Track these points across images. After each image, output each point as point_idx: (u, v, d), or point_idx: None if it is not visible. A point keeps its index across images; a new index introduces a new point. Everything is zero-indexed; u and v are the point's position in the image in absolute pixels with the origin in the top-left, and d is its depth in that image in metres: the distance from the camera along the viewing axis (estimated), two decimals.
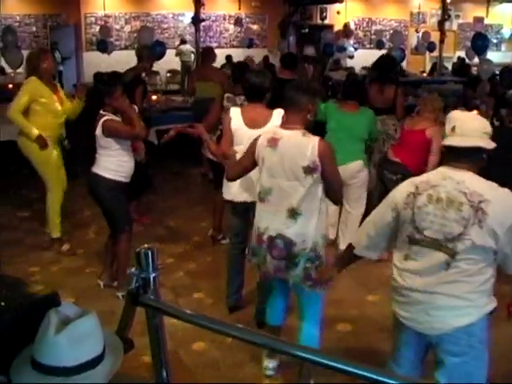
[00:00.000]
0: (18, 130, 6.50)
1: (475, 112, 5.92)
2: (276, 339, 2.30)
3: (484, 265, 2.92)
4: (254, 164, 4.01)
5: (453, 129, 3.03)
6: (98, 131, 5.19)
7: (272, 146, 3.81)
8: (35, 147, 6.26)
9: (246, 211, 4.86)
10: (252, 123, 4.63)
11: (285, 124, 3.92)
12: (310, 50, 12.45)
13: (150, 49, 8.35)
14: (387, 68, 7.48)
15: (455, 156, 3.03)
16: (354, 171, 6.15)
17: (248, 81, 4.77)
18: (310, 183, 3.71)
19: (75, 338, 1.66)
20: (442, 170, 3.07)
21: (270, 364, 4.29)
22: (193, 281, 5.85)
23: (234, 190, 4.83)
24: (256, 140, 3.96)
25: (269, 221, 3.87)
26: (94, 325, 1.74)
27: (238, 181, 4.65)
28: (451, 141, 3.03)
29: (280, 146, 3.77)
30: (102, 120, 5.17)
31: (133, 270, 2.02)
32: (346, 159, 5.82)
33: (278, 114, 4.54)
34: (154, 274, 2.02)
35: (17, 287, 2.08)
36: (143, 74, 7.82)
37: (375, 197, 6.26)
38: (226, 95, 6.00)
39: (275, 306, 4.31)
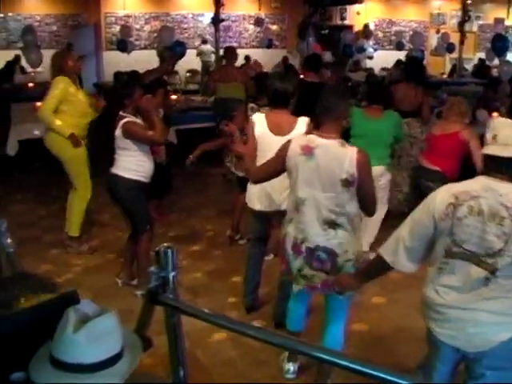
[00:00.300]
0: (45, 129, 6.52)
1: (496, 114, 5.87)
2: (293, 339, 2.30)
3: None
4: (282, 170, 3.85)
5: (494, 137, 2.87)
6: (118, 132, 5.20)
7: (307, 154, 3.61)
8: (66, 145, 6.28)
9: (268, 218, 4.90)
10: (277, 129, 4.47)
11: (319, 132, 3.70)
12: (327, 56, 12.39)
13: (172, 50, 8.37)
14: (415, 70, 7.39)
15: (496, 166, 2.85)
16: (377, 175, 6.07)
17: (271, 86, 4.58)
18: (349, 195, 3.58)
19: (94, 335, 1.67)
20: (484, 179, 2.89)
21: (291, 367, 4.26)
22: (210, 280, 5.86)
23: (253, 198, 4.80)
24: (286, 145, 3.77)
25: (306, 232, 3.71)
26: (113, 323, 1.75)
27: (257, 191, 4.66)
28: (492, 150, 2.87)
29: (316, 156, 3.58)
30: (122, 122, 5.18)
31: (152, 268, 2.03)
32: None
33: (303, 121, 4.45)
34: (173, 273, 2.03)
35: (37, 284, 2.10)
36: (165, 76, 7.82)
37: (410, 203, 6.22)
38: (250, 106, 5.95)
39: (296, 311, 4.23)
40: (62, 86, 6.19)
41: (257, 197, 4.78)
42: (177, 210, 8.01)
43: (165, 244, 2.07)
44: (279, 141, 4.08)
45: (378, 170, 6.00)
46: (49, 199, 8.29)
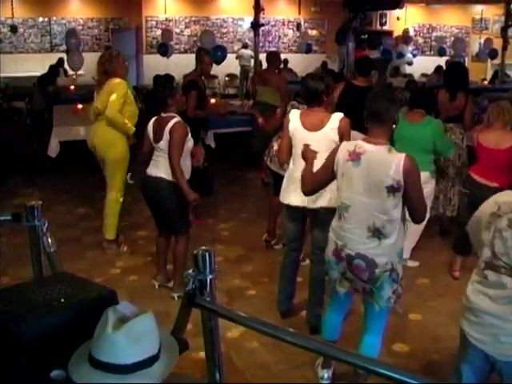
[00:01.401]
0: (92, 130, 6.71)
1: None
2: (328, 345, 2.30)
3: None
4: (332, 177, 3.82)
5: None
6: (167, 132, 5.16)
7: (354, 160, 3.60)
8: (114, 145, 6.41)
9: (302, 217, 4.85)
10: (310, 126, 4.54)
11: (369, 137, 3.66)
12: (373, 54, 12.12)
13: (207, 51, 8.39)
14: (455, 75, 7.27)
15: None
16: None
17: (304, 84, 4.70)
18: (394, 202, 3.53)
19: (133, 336, 1.69)
20: None
21: (325, 374, 4.24)
22: (247, 284, 5.86)
23: (293, 194, 4.71)
24: (334, 152, 3.76)
25: (347, 239, 3.69)
26: (151, 324, 1.76)
27: (291, 186, 4.64)
28: None
29: (363, 162, 3.56)
30: (174, 121, 5.17)
31: (190, 271, 2.04)
32: None
33: (336, 117, 4.49)
34: (210, 276, 2.04)
35: (76, 285, 2.12)
36: (202, 77, 7.82)
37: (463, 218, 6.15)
38: (291, 102, 5.98)
39: (331, 320, 4.22)
40: (121, 87, 6.33)
41: (290, 190, 4.72)
42: (214, 213, 8.04)
43: (203, 247, 2.09)
44: (311, 136, 4.33)
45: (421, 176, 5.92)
46: (88, 201, 8.39)
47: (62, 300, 1.98)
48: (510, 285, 2.79)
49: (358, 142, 3.67)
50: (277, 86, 8.80)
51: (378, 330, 3.93)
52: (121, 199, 6.59)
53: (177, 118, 5.22)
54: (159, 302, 5.20)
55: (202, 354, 2.25)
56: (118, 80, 6.32)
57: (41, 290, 2.04)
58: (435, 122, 6.04)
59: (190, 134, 5.28)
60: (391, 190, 3.48)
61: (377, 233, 3.58)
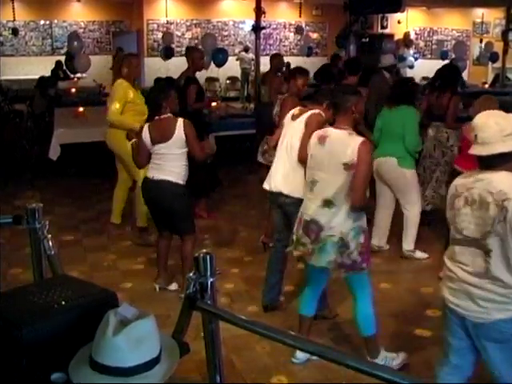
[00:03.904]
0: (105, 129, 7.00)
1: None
2: (329, 348, 2.29)
3: None
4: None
5: (475, 137, 3.13)
6: (178, 134, 5.22)
7: (321, 142, 4.23)
8: (120, 138, 6.56)
9: (283, 208, 5.08)
10: (295, 117, 5.06)
11: (335, 124, 4.29)
12: (389, 59, 12.07)
13: (195, 47, 8.51)
14: (446, 76, 7.51)
15: (483, 163, 3.14)
16: (389, 168, 6.44)
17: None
18: (347, 179, 4.05)
19: (133, 339, 1.69)
20: (476, 172, 3.19)
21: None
22: (246, 287, 5.87)
23: (273, 181, 5.09)
24: (310, 137, 4.42)
25: (308, 207, 4.28)
26: (152, 327, 1.76)
27: (282, 172, 5.02)
28: (474, 150, 3.15)
29: (327, 143, 4.18)
30: (181, 120, 5.25)
31: (190, 274, 2.04)
32: (376, 155, 6.20)
33: (312, 111, 4.97)
34: (211, 279, 2.04)
35: (77, 287, 2.12)
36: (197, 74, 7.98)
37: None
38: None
39: (308, 295, 4.57)
40: (120, 88, 6.66)
41: (280, 179, 5.07)
42: (215, 215, 8.04)
43: (203, 250, 2.09)
44: (291, 124, 5.04)
45: (387, 161, 6.40)
46: (88, 204, 8.41)
47: (63, 303, 1.98)
48: (475, 253, 3.09)
49: (326, 129, 4.34)
50: (269, 85, 9.11)
51: (365, 299, 4.33)
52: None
53: (182, 118, 5.29)
54: (160, 304, 5.20)
55: (203, 357, 2.25)
56: (119, 81, 6.65)
57: (41, 293, 2.04)
58: (410, 107, 6.39)
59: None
60: (347, 167, 4.03)
61: (329, 203, 4.13)
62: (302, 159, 4.67)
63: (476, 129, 3.14)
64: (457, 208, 3.18)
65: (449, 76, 7.49)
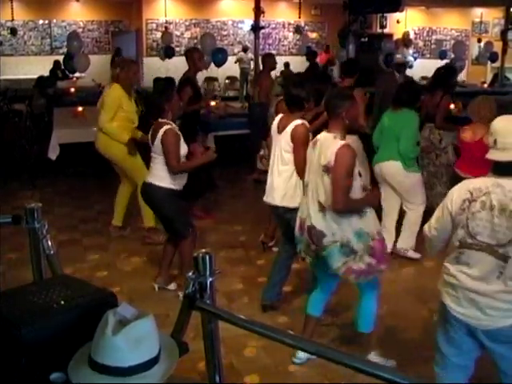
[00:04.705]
0: (95, 133, 6.97)
1: None
2: (329, 348, 2.29)
3: None
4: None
5: (495, 142, 3.05)
6: (158, 139, 5.18)
7: (314, 146, 4.29)
8: (118, 145, 6.65)
9: (283, 216, 5.11)
10: (280, 128, 5.06)
11: (328, 128, 4.28)
12: (400, 58, 12.02)
13: (195, 48, 8.51)
14: (440, 76, 7.58)
15: (501, 169, 3.05)
16: (394, 172, 6.35)
17: (287, 92, 5.28)
18: (327, 181, 4.08)
19: (132, 338, 1.69)
20: (494, 178, 3.08)
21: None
22: (245, 286, 5.87)
23: (269, 194, 5.16)
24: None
25: (307, 212, 4.27)
26: (151, 327, 1.76)
27: (275, 186, 5.06)
28: (493, 155, 3.07)
29: (317, 147, 4.23)
30: (165, 129, 5.16)
31: (190, 274, 2.04)
32: (379, 158, 6.38)
33: (294, 123, 4.91)
34: (210, 279, 2.04)
35: (76, 287, 2.12)
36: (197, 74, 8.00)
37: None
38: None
39: (316, 297, 4.57)
40: (113, 95, 6.66)
41: (266, 189, 5.20)
42: (213, 215, 8.04)
43: (202, 250, 2.09)
44: (277, 137, 5.04)
45: (389, 165, 6.33)
46: (87, 203, 8.40)
47: (62, 302, 1.98)
48: (487, 260, 3.02)
49: (321, 133, 4.31)
50: (259, 85, 9.16)
51: (371, 299, 4.36)
52: None
53: (167, 126, 5.19)
54: (159, 304, 5.19)
55: (202, 357, 2.25)
56: (113, 86, 6.66)
57: (41, 293, 2.04)
58: (411, 112, 6.28)
59: (181, 140, 5.27)
60: (326, 169, 4.08)
61: (322, 206, 4.15)
62: (300, 175, 4.81)
63: (496, 133, 3.06)
64: (471, 212, 3.06)
65: (442, 76, 7.51)
